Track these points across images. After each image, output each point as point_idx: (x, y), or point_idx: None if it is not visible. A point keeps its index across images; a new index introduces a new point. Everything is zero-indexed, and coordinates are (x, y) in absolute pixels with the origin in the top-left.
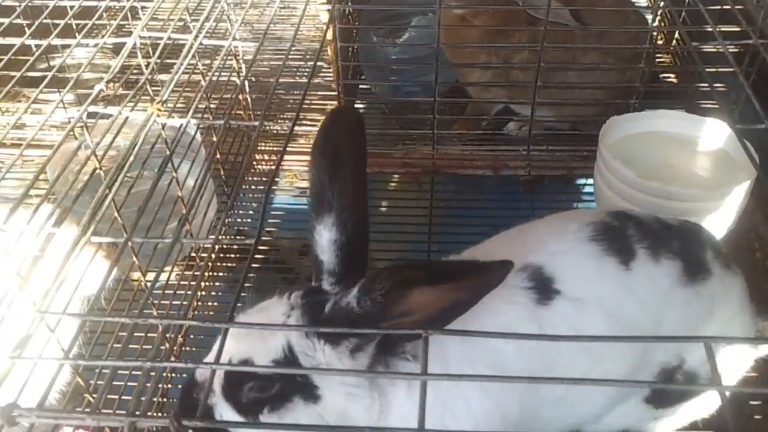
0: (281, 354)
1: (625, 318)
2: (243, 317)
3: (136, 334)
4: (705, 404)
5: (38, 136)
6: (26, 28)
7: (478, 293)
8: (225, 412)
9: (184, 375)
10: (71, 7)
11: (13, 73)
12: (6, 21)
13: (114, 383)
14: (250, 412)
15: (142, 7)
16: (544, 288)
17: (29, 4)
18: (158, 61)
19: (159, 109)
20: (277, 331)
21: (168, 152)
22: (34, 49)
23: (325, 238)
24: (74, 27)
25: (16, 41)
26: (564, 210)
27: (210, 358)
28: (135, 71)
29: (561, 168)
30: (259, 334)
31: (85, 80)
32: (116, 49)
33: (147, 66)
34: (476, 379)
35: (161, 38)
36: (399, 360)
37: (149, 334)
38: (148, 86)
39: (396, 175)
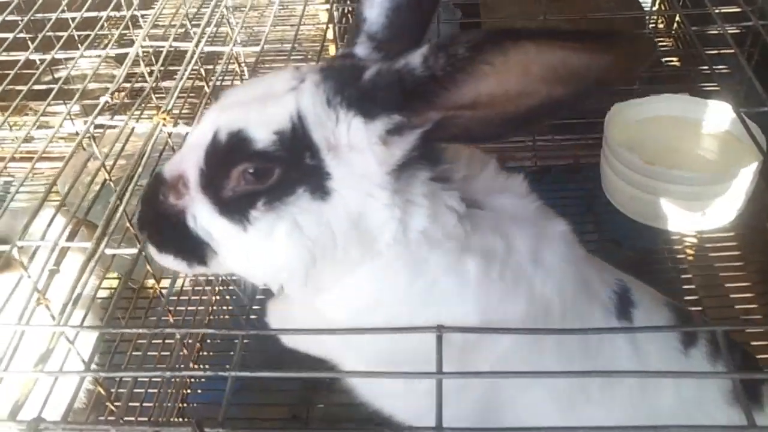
0: (288, 124)
1: None
2: (233, 90)
3: (154, 341)
4: None
5: (47, 149)
6: (29, 42)
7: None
8: (201, 211)
9: (203, 380)
10: (73, 19)
11: (19, 88)
12: (10, 36)
13: (135, 390)
14: (237, 209)
15: (143, 16)
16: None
17: (31, 18)
18: (161, 68)
19: (164, 119)
20: (282, 94)
21: None
22: (38, 62)
23: None
24: (77, 38)
25: (21, 55)
26: (571, 199)
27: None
28: (139, 79)
29: (567, 157)
30: (257, 99)
31: (90, 90)
32: (119, 59)
33: (150, 74)
34: (487, 376)
35: (163, 46)
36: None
37: (167, 341)
38: (152, 94)
39: None
